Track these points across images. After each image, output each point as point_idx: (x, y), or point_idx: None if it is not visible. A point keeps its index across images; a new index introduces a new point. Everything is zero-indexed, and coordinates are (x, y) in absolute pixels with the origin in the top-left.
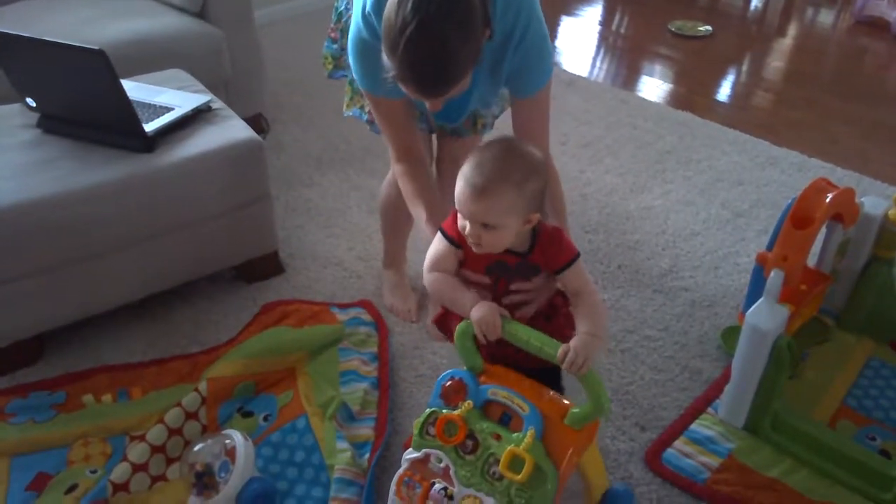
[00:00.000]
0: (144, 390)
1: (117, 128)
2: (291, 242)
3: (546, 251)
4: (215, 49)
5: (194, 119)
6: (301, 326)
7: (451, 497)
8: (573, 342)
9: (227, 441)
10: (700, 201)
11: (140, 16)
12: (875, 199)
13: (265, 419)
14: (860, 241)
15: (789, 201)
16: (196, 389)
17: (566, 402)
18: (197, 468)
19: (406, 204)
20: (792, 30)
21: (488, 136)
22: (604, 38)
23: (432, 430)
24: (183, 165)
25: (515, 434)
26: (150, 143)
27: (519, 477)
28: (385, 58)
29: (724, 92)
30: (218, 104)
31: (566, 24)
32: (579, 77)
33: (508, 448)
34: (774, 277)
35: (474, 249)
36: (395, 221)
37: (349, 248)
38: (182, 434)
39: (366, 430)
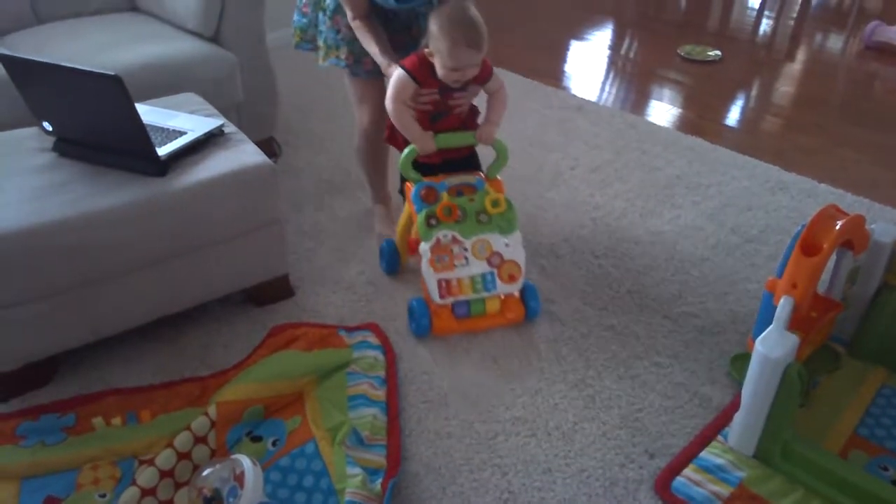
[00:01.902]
0: (153, 413)
1: (131, 151)
2: (301, 265)
3: (480, 72)
4: (228, 73)
5: (207, 143)
6: (309, 350)
7: (466, 249)
8: (482, 128)
9: (236, 466)
10: (709, 226)
11: (155, 40)
12: (885, 226)
13: (274, 444)
14: (871, 269)
15: (799, 228)
16: (205, 413)
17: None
18: (205, 493)
19: (378, 145)
20: (801, 55)
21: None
22: (613, 62)
23: (433, 221)
24: (195, 189)
25: (479, 192)
26: (163, 168)
27: (500, 208)
28: None
29: (734, 117)
30: (230, 128)
31: (575, 49)
32: (588, 101)
33: (487, 197)
34: (784, 305)
35: (455, 85)
36: (374, 159)
37: (359, 272)
38: (191, 458)
39: (376, 457)
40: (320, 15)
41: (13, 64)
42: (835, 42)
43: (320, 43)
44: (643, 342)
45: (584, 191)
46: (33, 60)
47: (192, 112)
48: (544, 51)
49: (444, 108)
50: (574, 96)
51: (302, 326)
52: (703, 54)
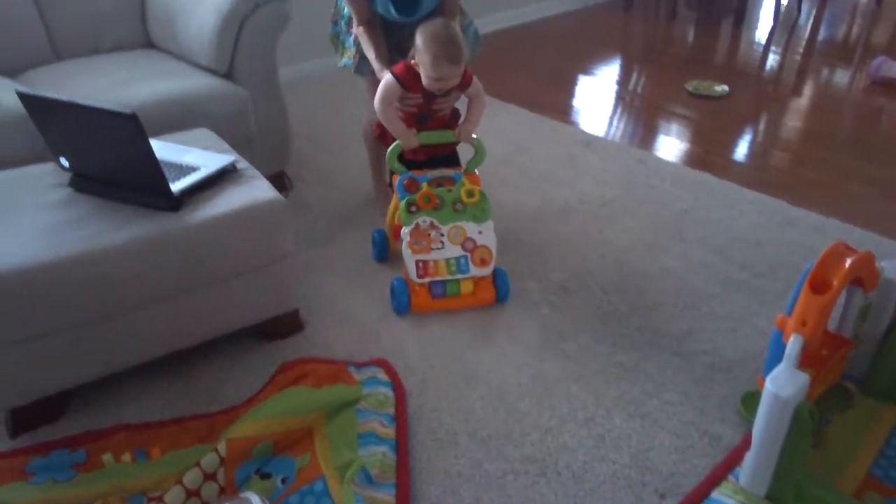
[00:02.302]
0: (163, 450)
1: (145, 187)
2: (311, 300)
3: (461, 80)
4: (241, 109)
5: (219, 179)
6: (319, 387)
7: (442, 234)
8: (461, 126)
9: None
10: (718, 262)
11: (170, 77)
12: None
13: (283, 481)
14: (882, 306)
15: (808, 265)
16: (215, 450)
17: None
18: None
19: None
20: (808, 90)
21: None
22: (621, 97)
23: (413, 208)
24: (208, 225)
25: (456, 184)
26: (177, 203)
27: (474, 199)
28: None
29: (742, 151)
30: (243, 164)
31: (583, 83)
32: (597, 137)
33: (463, 188)
34: (794, 343)
35: (438, 92)
36: (375, 148)
37: (368, 306)
38: (200, 496)
39: (385, 496)
40: (343, 22)
41: (32, 102)
42: (841, 77)
43: (342, 45)
44: (653, 379)
45: (593, 226)
46: (51, 98)
47: (205, 148)
48: (552, 86)
49: (428, 111)
50: (582, 131)
51: (311, 362)
52: (711, 89)
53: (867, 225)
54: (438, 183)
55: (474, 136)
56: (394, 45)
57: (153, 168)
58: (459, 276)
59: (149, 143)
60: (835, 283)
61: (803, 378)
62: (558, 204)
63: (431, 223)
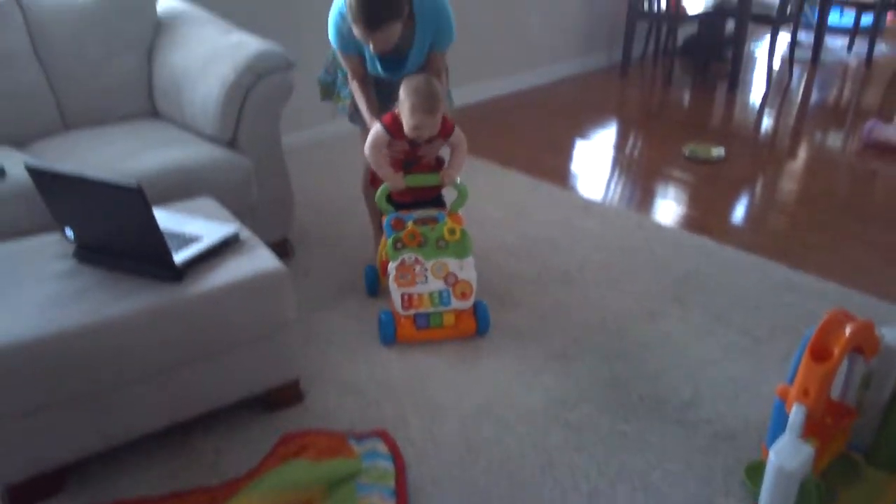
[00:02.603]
0: None
1: (148, 258)
2: (312, 368)
3: (442, 129)
4: (244, 178)
5: (222, 248)
6: (319, 460)
7: (426, 269)
8: (444, 171)
9: None
10: (718, 328)
11: (174, 146)
12: None
13: None
14: (884, 374)
15: (808, 332)
16: None
17: (447, 206)
18: None
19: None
20: (803, 152)
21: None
22: (618, 162)
23: (399, 245)
24: (210, 296)
25: (439, 223)
26: (179, 274)
27: (456, 237)
28: (350, 21)
29: (739, 215)
30: (245, 233)
31: (580, 148)
32: (595, 201)
33: (445, 226)
34: (797, 412)
35: (418, 139)
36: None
37: (369, 375)
38: None
39: None
40: (339, 73)
41: (39, 174)
42: (834, 139)
43: (338, 95)
44: (656, 449)
45: (592, 291)
46: (58, 171)
47: (208, 217)
48: (550, 151)
49: (413, 157)
50: (581, 196)
51: (312, 434)
52: (708, 153)
53: (867, 289)
54: (423, 222)
55: (458, 180)
56: (385, 98)
57: (156, 239)
58: (442, 308)
59: (153, 215)
60: (835, 351)
61: (808, 450)
62: (558, 268)
63: (416, 259)
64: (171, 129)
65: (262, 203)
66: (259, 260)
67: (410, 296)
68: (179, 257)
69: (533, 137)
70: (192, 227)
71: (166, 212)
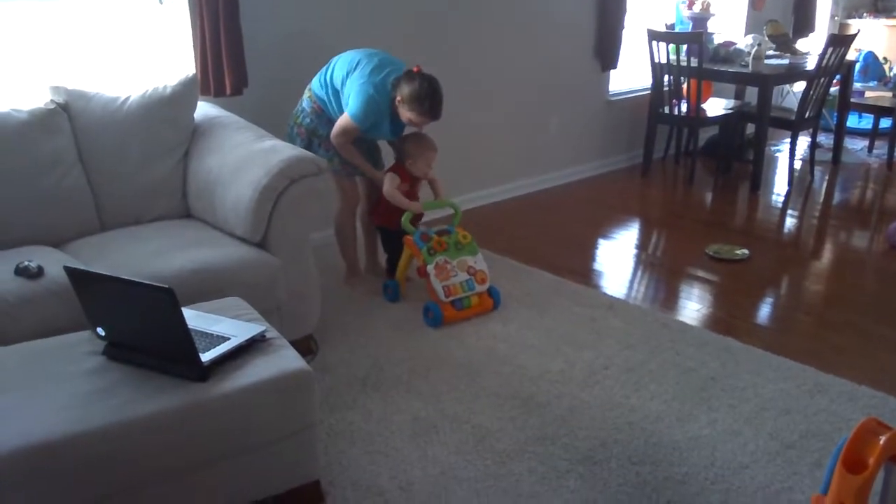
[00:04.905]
0: None
1: (176, 357)
2: (332, 469)
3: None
4: (272, 277)
5: (248, 347)
6: None
7: (454, 266)
8: (442, 196)
9: None
10: (747, 431)
11: (205, 246)
12: None
13: None
14: None
15: (841, 441)
16: None
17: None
18: None
19: (350, 223)
20: (827, 253)
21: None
22: (641, 260)
23: (432, 251)
24: (235, 396)
25: (452, 234)
26: (205, 373)
27: (468, 241)
28: (406, 106)
29: (765, 315)
30: (272, 333)
31: (604, 247)
32: (619, 300)
33: (459, 234)
34: None
35: (423, 177)
36: (350, 236)
37: (391, 477)
38: None
39: None
40: (314, 141)
41: (76, 275)
42: (859, 240)
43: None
44: None
45: (618, 392)
46: (95, 273)
47: (235, 316)
48: (573, 249)
49: (412, 192)
50: (604, 294)
51: None
52: (731, 253)
53: None
54: (440, 234)
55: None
56: (365, 152)
57: (184, 339)
58: (469, 292)
59: (182, 316)
60: (870, 461)
61: None
62: (582, 368)
63: (445, 260)
64: (202, 229)
65: (288, 301)
66: (284, 360)
67: (448, 286)
68: (206, 356)
69: (555, 236)
70: (219, 326)
71: (195, 311)
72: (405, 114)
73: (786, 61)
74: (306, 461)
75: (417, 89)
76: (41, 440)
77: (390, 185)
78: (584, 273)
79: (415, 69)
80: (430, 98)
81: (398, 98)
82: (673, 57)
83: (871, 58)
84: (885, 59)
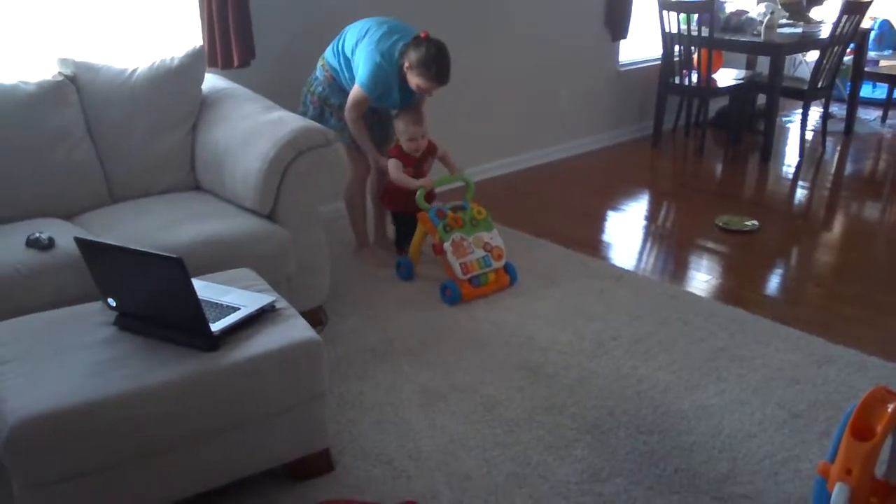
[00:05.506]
0: None
1: (186, 327)
2: (342, 438)
3: (429, 148)
4: (282, 249)
5: (258, 318)
6: None
7: (470, 243)
8: (455, 170)
9: None
10: (755, 401)
11: (214, 218)
12: None
13: None
14: None
15: (849, 409)
16: None
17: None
18: None
19: (360, 195)
20: (838, 224)
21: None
22: (651, 232)
23: (448, 228)
24: (245, 365)
25: (466, 210)
26: (215, 343)
27: (483, 216)
28: (414, 71)
29: (774, 286)
30: (282, 303)
31: (613, 219)
32: (628, 271)
33: (474, 210)
34: (840, 492)
35: (414, 152)
36: (360, 207)
37: (400, 446)
38: None
39: None
40: (326, 110)
41: (87, 246)
42: (871, 211)
43: (326, 124)
44: None
45: (627, 362)
46: (105, 243)
47: (245, 287)
48: (582, 221)
49: (420, 172)
50: (614, 266)
51: (347, 502)
52: (741, 224)
53: None
54: (455, 210)
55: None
56: (378, 129)
57: (194, 309)
58: (486, 269)
59: (192, 286)
60: (878, 429)
61: None
62: (591, 339)
63: (461, 237)
64: (211, 201)
65: (298, 272)
66: (294, 330)
67: (466, 264)
68: (216, 326)
69: (565, 208)
70: (229, 297)
71: (205, 282)
72: (413, 80)
73: (799, 30)
74: (316, 430)
75: (424, 55)
76: (57, 407)
77: (395, 170)
78: (594, 245)
79: (422, 35)
80: (436, 62)
81: (406, 65)
82: (683, 26)
83: (886, 26)
84: None
